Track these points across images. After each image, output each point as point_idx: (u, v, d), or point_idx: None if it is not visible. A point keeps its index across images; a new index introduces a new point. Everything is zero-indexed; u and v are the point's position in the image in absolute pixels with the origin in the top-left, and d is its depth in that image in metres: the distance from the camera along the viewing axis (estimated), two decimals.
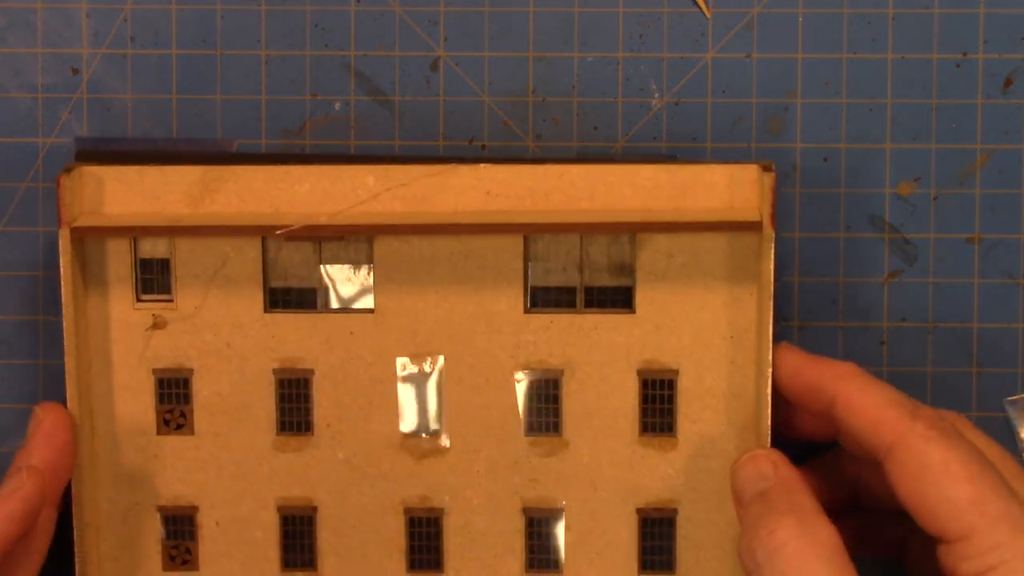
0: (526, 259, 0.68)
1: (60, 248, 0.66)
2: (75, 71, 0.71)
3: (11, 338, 0.72)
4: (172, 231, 0.67)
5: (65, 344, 0.66)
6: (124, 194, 0.67)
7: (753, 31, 0.71)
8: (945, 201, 0.71)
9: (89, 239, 0.68)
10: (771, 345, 0.65)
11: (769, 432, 0.65)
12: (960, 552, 0.56)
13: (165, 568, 0.70)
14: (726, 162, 0.67)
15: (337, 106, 0.72)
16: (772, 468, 0.62)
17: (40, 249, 0.71)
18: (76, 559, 0.67)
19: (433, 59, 0.71)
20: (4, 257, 0.71)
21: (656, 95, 0.71)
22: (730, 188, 0.67)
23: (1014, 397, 0.71)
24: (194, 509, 0.69)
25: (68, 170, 0.66)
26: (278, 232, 0.66)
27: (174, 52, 0.71)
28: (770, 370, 0.65)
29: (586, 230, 0.66)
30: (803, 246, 0.71)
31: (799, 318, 0.71)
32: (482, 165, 0.67)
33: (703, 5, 0.71)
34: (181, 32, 0.71)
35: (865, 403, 0.61)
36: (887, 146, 0.71)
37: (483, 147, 0.71)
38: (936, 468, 0.57)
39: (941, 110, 0.71)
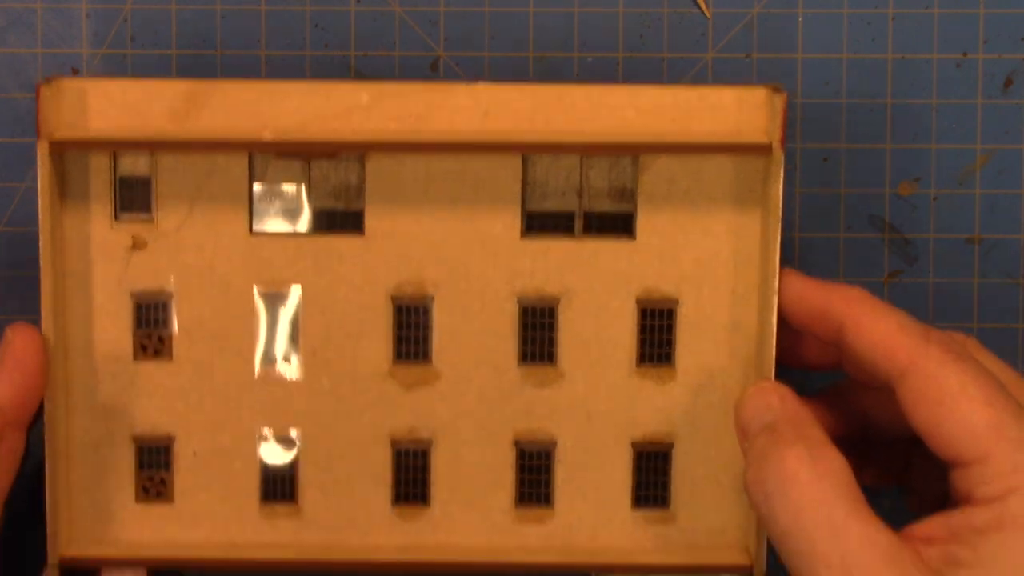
0: (524, 183, 0.65)
1: (38, 162, 0.63)
2: (75, 71, 0.71)
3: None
4: (155, 145, 0.64)
5: (41, 262, 0.63)
6: (106, 109, 0.65)
7: (753, 31, 0.71)
8: (945, 201, 0.71)
9: (69, 155, 0.65)
10: (777, 272, 0.63)
11: (773, 364, 0.64)
12: (977, 476, 0.56)
13: (138, 500, 0.67)
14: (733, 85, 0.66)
15: None
16: (779, 400, 0.61)
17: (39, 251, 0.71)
18: (47, 489, 0.65)
19: (433, 59, 0.71)
20: (4, 257, 0.71)
21: None
22: (737, 111, 0.64)
23: None
24: (170, 439, 0.67)
25: (48, 81, 0.63)
26: (265, 140, 0.63)
27: (174, 52, 0.71)
28: (776, 298, 0.63)
29: (587, 151, 0.64)
30: (803, 246, 0.71)
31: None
32: (480, 85, 0.65)
33: (703, 5, 0.71)
34: (181, 32, 0.71)
35: (876, 328, 0.60)
36: (887, 146, 0.71)
37: None
38: (952, 392, 0.57)
39: (941, 110, 0.71)
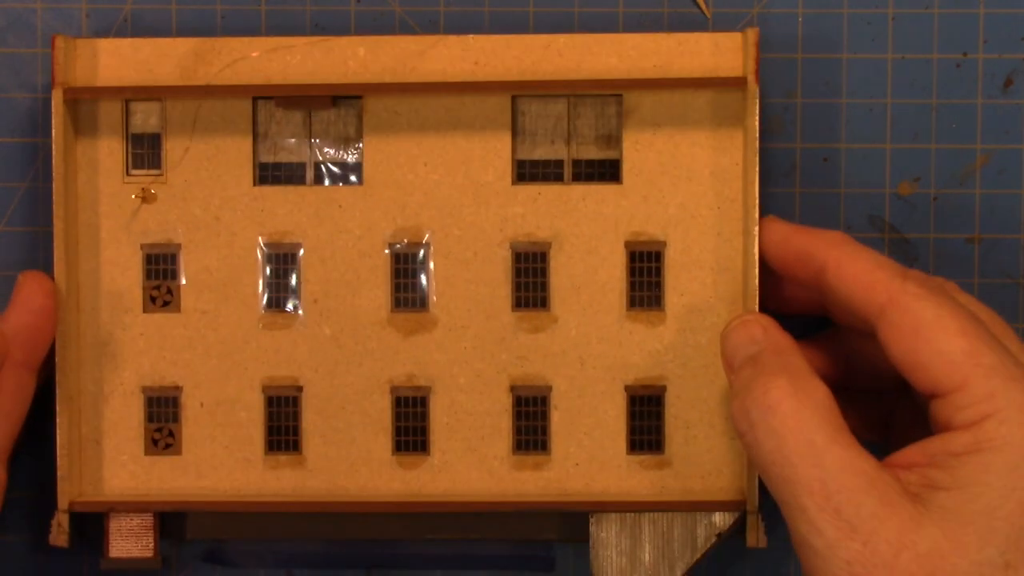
0: (514, 131, 0.68)
1: (53, 109, 0.66)
2: None
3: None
4: (164, 91, 0.67)
5: (54, 209, 0.66)
6: (118, 66, 0.68)
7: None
8: (945, 201, 0.71)
9: (82, 112, 0.68)
10: (757, 200, 0.65)
11: (756, 298, 0.65)
12: (955, 403, 0.57)
13: (147, 452, 0.69)
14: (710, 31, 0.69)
15: None
16: (762, 332, 0.62)
17: (40, 250, 0.71)
18: (57, 442, 0.67)
19: None
20: (4, 257, 0.71)
21: None
22: (714, 55, 0.67)
23: None
24: (178, 390, 0.68)
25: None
26: (273, 98, 0.67)
27: None
28: (757, 228, 0.65)
29: (573, 88, 0.67)
30: None
31: (800, 317, 0.71)
32: (471, 36, 0.68)
33: (703, 5, 0.71)
34: (181, 32, 0.71)
35: (856, 267, 0.61)
36: (887, 146, 0.71)
37: None
38: (929, 324, 0.58)
39: (941, 110, 0.71)
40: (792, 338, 0.62)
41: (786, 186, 0.71)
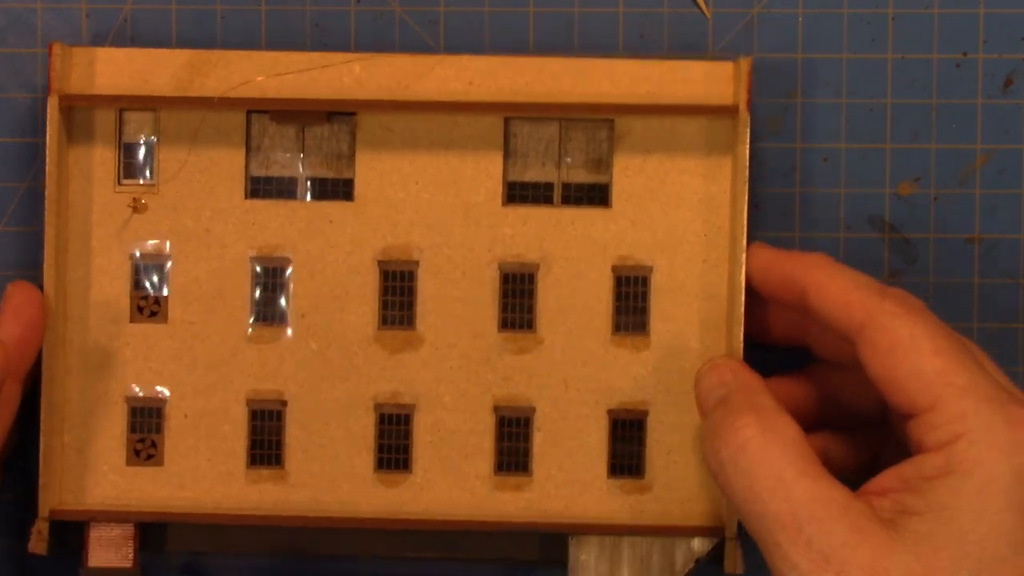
0: (506, 153, 0.68)
1: (48, 116, 0.66)
2: None
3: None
4: (159, 101, 0.67)
5: (46, 216, 0.66)
6: (113, 75, 0.68)
7: (753, 31, 0.71)
8: (945, 201, 0.71)
9: (76, 120, 0.68)
10: (746, 228, 0.66)
11: (742, 325, 0.66)
12: (927, 423, 0.57)
13: (129, 463, 0.69)
14: (702, 59, 0.69)
15: None
16: (732, 375, 0.63)
17: (39, 251, 0.71)
18: (41, 449, 0.67)
19: None
20: (4, 257, 0.71)
21: None
22: (706, 83, 0.67)
23: None
24: (163, 401, 0.68)
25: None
26: (264, 95, 0.67)
27: None
28: (744, 256, 0.66)
29: (566, 111, 0.67)
30: (803, 246, 0.71)
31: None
32: (464, 56, 0.68)
33: (703, 5, 0.71)
34: (181, 32, 0.71)
35: (835, 287, 0.61)
36: (887, 146, 0.71)
37: None
38: (904, 342, 0.58)
39: (941, 110, 0.71)
40: (761, 379, 0.63)
41: (786, 186, 0.71)
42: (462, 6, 0.71)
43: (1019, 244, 0.71)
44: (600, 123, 0.68)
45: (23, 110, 0.71)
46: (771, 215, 0.71)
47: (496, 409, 0.68)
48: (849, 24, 0.71)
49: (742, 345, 0.66)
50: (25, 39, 0.71)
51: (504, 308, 0.68)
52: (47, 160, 0.66)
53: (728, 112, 0.67)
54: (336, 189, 0.69)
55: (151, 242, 0.68)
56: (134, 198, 0.68)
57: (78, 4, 0.71)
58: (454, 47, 0.71)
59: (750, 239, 0.66)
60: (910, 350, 0.58)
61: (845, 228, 0.71)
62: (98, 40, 0.71)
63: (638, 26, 0.71)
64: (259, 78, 0.67)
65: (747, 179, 0.66)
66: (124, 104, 0.68)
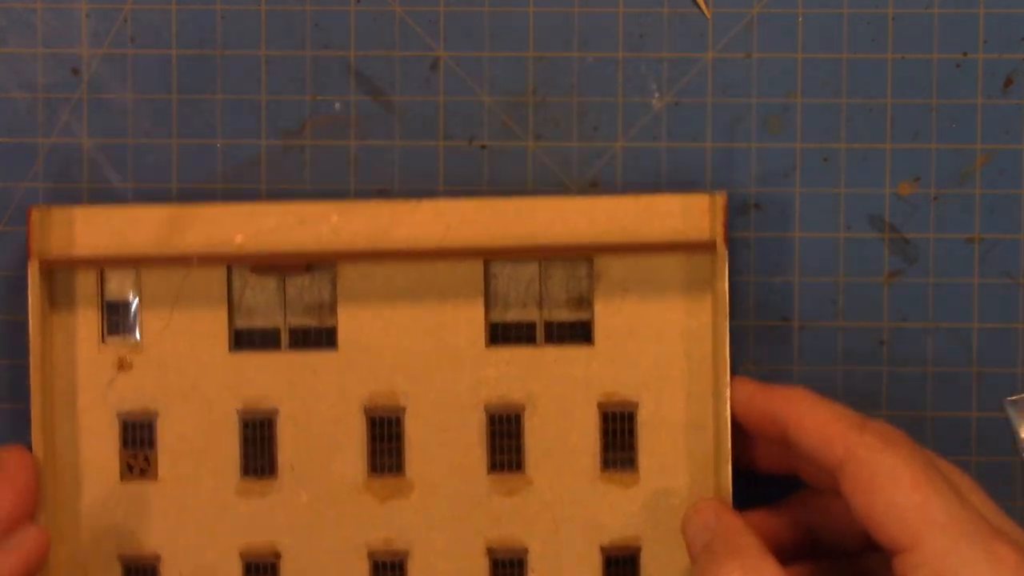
0: (486, 295, 0.69)
1: (29, 281, 0.67)
2: (75, 71, 0.71)
3: (10, 340, 0.72)
4: (139, 261, 0.67)
5: (31, 381, 0.67)
6: (93, 234, 0.68)
7: (753, 31, 0.71)
8: (945, 201, 0.71)
9: (58, 280, 0.68)
10: (728, 362, 0.66)
11: (729, 459, 0.66)
12: (911, 561, 0.56)
13: None
14: (678, 192, 0.68)
15: (337, 106, 0.72)
16: (715, 518, 0.63)
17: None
18: None
19: (433, 59, 0.71)
20: (4, 257, 0.71)
21: (656, 95, 0.71)
22: (683, 217, 0.68)
23: (1014, 397, 0.71)
24: (157, 559, 0.68)
25: (38, 208, 0.67)
26: (242, 251, 0.67)
27: (174, 52, 0.71)
28: (728, 391, 0.66)
29: (544, 253, 0.68)
30: (803, 246, 0.71)
31: (799, 318, 0.71)
32: (441, 200, 0.68)
33: (703, 5, 0.71)
34: (181, 32, 0.71)
35: (815, 421, 0.61)
36: (887, 146, 0.71)
37: (483, 147, 0.72)
38: (883, 477, 0.58)
39: (941, 110, 0.71)
40: (743, 521, 0.63)
41: (786, 186, 0.71)
42: (462, 6, 0.71)
43: (1019, 244, 0.71)
44: (579, 262, 0.69)
45: (23, 110, 0.71)
46: (771, 215, 0.71)
47: (489, 551, 0.69)
48: (849, 24, 0.71)
49: (730, 481, 0.66)
50: (25, 39, 0.71)
51: (492, 450, 0.69)
52: (30, 326, 0.66)
53: (705, 248, 0.67)
54: (319, 338, 0.69)
55: (137, 400, 0.68)
56: (119, 356, 0.68)
57: (78, 4, 0.71)
58: (454, 47, 0.71)
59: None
60: (888, 486, 0.57)
61: (845, 228, 0.71)
62: (98, 40, 0.71)
63: (638, 26, 0.71)
64: (237, 238, 0.67)
65: (728, 313, 0.66)
66: (104, 265, 0.68)
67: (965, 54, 0.71)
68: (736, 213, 0.71)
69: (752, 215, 0.71)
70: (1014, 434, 0.71)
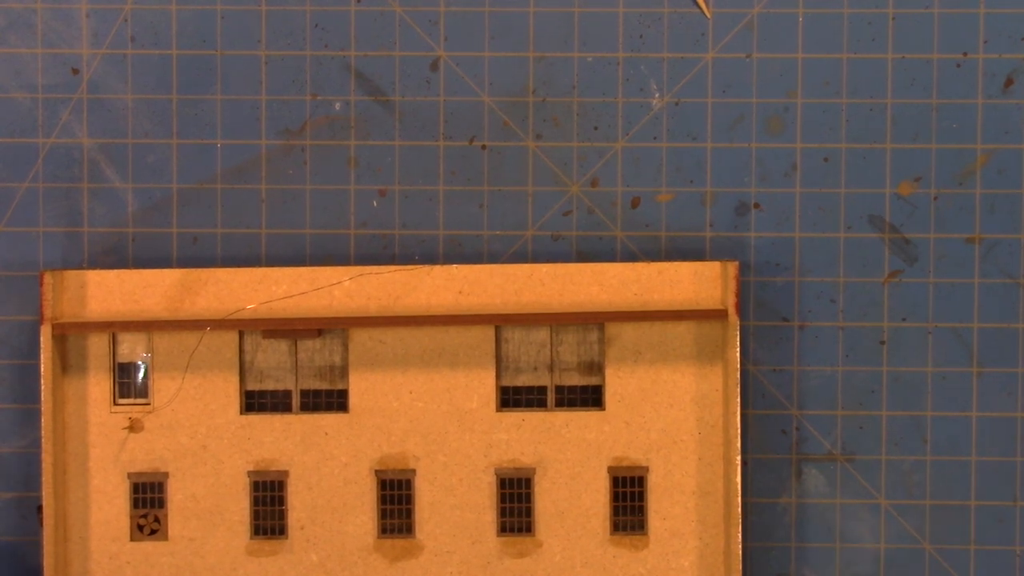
0: (498, 359, 0.69)
1: (41, 344, 0.67)
2: (75, 71, 0.71)
3: (12, 339, 0.72)
4: (151, 326, 0.68)
5: (43, 443, 0.67)
6: (104, 297, 0.69)
7: (753, 31, 0.71)
8: (945, 201, 0.71)
9: (70, 343, 0.69)
10: (739, 429, 0.67)
11: (740, 524, 0.67)
12: None
13: None
14: (689, 260, 0.70)
15: (337, 106, 0.72)
16: None
17: (39, 252, 0.71)
18: None
19: (433, 59, 0.71)
20: (4, 257, 0.71)
21: (656, 95, 0.71)
22: (695, 283, 0.68)
23: None
24: None
25: (51, 271, 0.68)
26: (254, 316, 0.68)
27: (174, 52, 0.71)
28: (739, 457, 0.67)
29: (556, 320, 0.68)
30: (803, 246, 0.71)
31: (799, 318, 0.71)
32: (454, 266, 0.69)
33: (703, 5, 0.71)
34: (181, 32, 0.71)
35: None
36: (887, 146, 0.71)
37: (483, 147, 0.72)
38: None
39: (941, 110, 0.71)
40: None
41: (786, 186, 0.71)
42: (462, 6, 0.71)
43: (1019, 244, 0.71)
44: (591, 327, 0.69)
45: (23, 110, 0.71)
46: (771, 215, 0.71)
47: None
48: (849, 24, 0.71)
49: (740, 547, 0.67)
50: (25, 39, 0.71)
51: (502, 513, 0.69)
52: (43, 388, 0.67)
53: (717, 316, 0.68)
54: (331, 401, 0.69)
55: (148, 461, 0.69)
56: (130, 418, 0.69)
57: (78, 4, 0.71)
58: (454, 47, 0.71)
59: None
60: None
61: (845, 228, 0.71)
62: (98, 40, 0.71)
63: (638, 26, 0.71)
64: (249, 306, 0.68)
65: (739, 381, 0.67)
66: (116, 329, 0.68)
67: (965, 54, 0.71)
68: (736, 213, 0.71)
69: (752, 215, 0.71)
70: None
